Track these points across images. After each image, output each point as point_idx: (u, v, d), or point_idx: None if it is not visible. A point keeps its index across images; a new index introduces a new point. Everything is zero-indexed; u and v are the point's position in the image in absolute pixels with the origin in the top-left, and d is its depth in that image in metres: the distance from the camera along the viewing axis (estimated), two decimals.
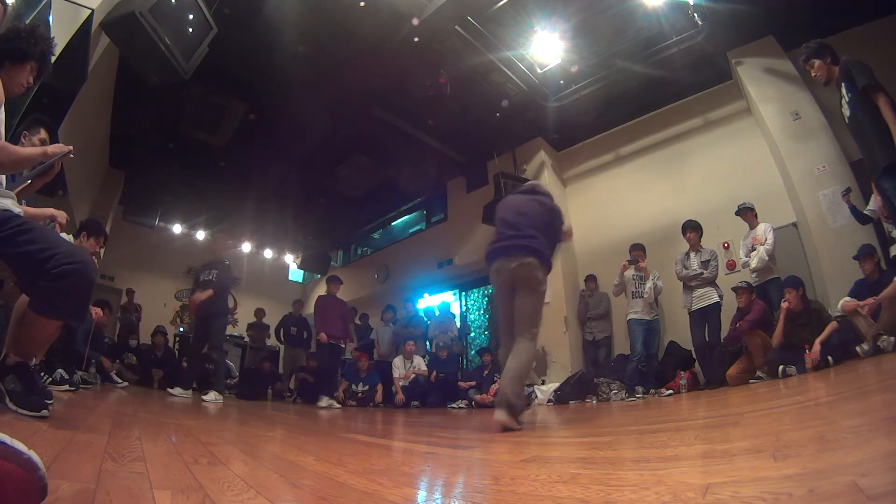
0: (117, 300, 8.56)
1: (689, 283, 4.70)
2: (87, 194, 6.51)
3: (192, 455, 1.30)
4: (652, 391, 4.71)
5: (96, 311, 4.35)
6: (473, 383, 5.79)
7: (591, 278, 5.98)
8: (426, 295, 8.70)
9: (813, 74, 2.81)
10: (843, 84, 2.64)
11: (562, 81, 5.62)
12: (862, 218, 3.94)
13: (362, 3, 4.42)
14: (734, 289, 4.41)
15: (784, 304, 3.97)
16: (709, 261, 4.64)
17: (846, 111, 2.67)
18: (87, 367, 4.65)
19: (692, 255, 4.76)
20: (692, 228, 4.81)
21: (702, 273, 4.60)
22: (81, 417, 1.99)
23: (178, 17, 3.55)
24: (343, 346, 6.19)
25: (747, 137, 5.35)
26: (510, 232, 2.61)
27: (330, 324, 5.86)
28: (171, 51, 3.42)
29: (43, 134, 2.40)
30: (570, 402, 4.86)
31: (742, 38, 5.07)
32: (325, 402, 5.55)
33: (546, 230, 2.63)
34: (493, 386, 5.39)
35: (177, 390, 4.76)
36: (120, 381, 5.47)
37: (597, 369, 5.44)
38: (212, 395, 4.69)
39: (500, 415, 2.18)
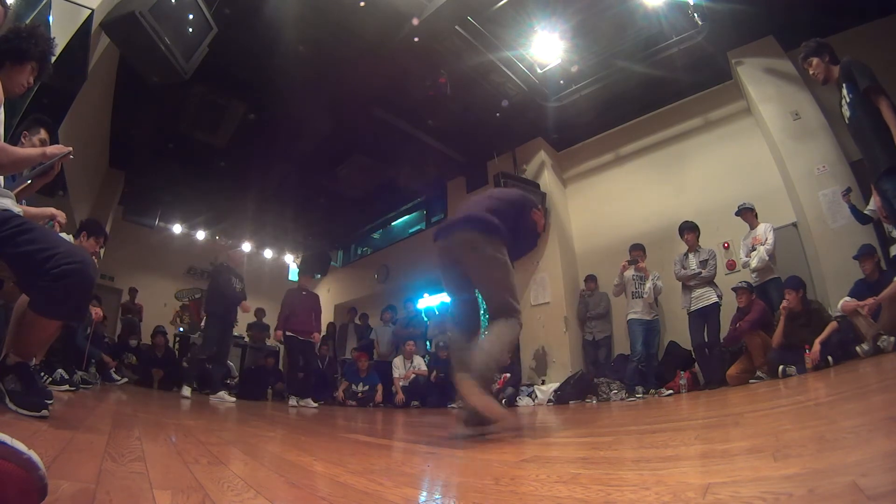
0: (117, 300, 8.57)
1: (688, 284, 4.70)
2: (87, 194, 6.51)
3: (192, 455, 1.30)
4: (652, 391, 4.71)
5: (96, 311, 4.36)
6: None
7: (591, 278, 5.98)
8: (426, 295, 8.70)
9: (811, 73, 2.81)
10: (843, 85, 2.64)
11: (562, 81, 5.62)
12: (862, 218, 3.94)
13: (362, 3, 4.42)
14: (734, 289, 4.41)
15: (783, 305, 3.96)
16: (707, 260, 4.65)
17: (846, 112, 2.66)
18: (87, 367, 4.65)
19: (691, 255, 4.76)
20: (689, 229, 4.82)
21: (700, 273, 4.60)
22: (81, 417, 1.99)
23: (178, 17, 3.55)
24: (312, 340, 6.04)
25: (747, 137, 5.35)
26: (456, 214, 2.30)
27: (300, 319, 5.75)
28: (171, 51, 3.42)
29: (43, 134, 2.40)
30: (570, 402, 4.86)
31: (742, 38, 5.08)
32: (292, 400, 5.51)
33: (509, 215, 2.22)
34: (492, 386, 5.38)
35: (186, 391, 4.79)
36: (119, 377, 5.47)
37: (597, 369, 5.45)
38: (227, 396, 4.85)
39: (465, 387, 1.80)
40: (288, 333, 5.60)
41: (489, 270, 2.08)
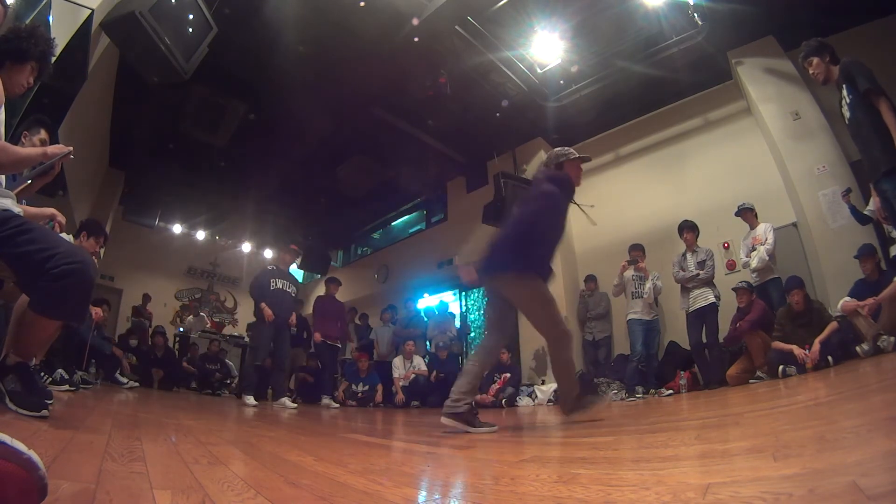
0: (117, 300, 8.58)
1: (687, 285, 4.70)
2: (87, 194, 6.50)
3: (192, 455, 1.30)
4: (652, 391, 4.71)
5: (96, 311, 4.36)
6: None
7: (590, 278, 5.98)
8: (426, 295, 8.70)
9: (811, 72, 2.79)
10: (843, 86, 2.63)
11: (562, 81, 5.61)
12: (862, 218, 3.93)
13: (362, 4, 4.42)
14: (734, 289, 4.41)
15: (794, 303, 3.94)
16: (705, 261, 4.64)
17: (846, 113, 2.66)
18: (87, 367, 4.65)
19: (689, 255, 4.75)
20: (689, 228, 4.82)
21: (698, 274, 4.60)
22: (81, 417, 1.99)
23: (178, 17, 3.55)
24: (340, 345, 6.20)
25: (747, 137, 5.35)
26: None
27: (328, 324, 5.87)
28: (171, 51, 3.42)
29: (43, 134, 2.40)
30: None
31: (742, 38, 5.07)
32: (325, 401, 5.56)
33: (544, 224, 2.45)
34: (493, 386, 5.39)
35: (249, 399, 4.83)
36: (125, 380, 5.45)
37: (597, 369, 5.44)
38: (288, 402, 4.91)
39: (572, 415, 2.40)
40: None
41: (531, 308, 2.44)
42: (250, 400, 4.76)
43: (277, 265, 5.42)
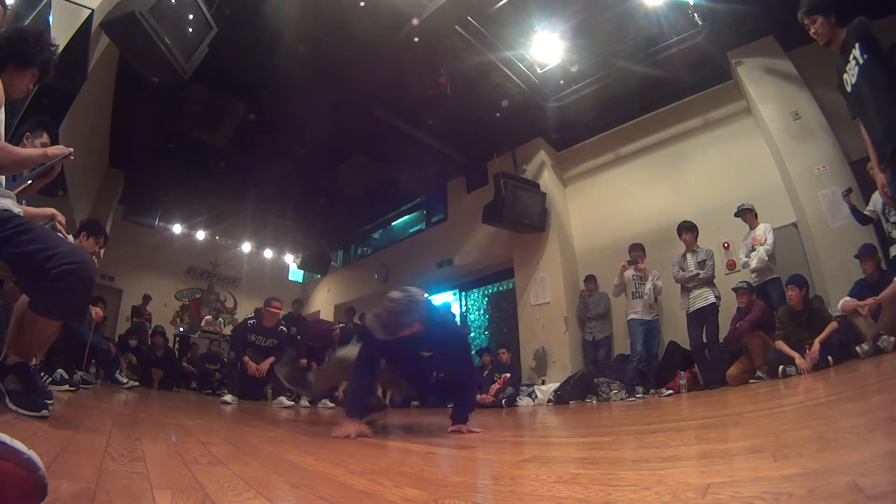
0: (117, 300, 8.58)
1: (687, 285, 4.69)
2: (87, 194, 6.50)
3: (192, 455, 1.30)
4: (652, 391, 4.71)
5: (96, 311, 4.36)
6: None
7: (590, 278, 5.97)
8: (426, 295, 8.70)
9: (812, 31, 2.54)
10: (856, 45, 2.38)
11: (562, 81, 5.61)
12: (862, 218, 3.93)
13: (362, 4, 4.42)
14: (734, 289, 4.41)
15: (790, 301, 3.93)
16: (704, 261, 4.64)
17: (851, 78, 2.40)
18: (87, 367, 4.65)
19: (688, 256, 4.75)
20: (688, 229, 4.81)
21: (698, 274, 4.60)
22: (81, 417, 1.99)
23: (178, 17, 3.55)
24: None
25: (747, 137, 5.35)
26: None
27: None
28: (171, 51, 3.42)
29: (45, 138, 2.40)
30: (570, 402, 4.86)
31: (742, 38, 5.07)
32: (321, 403, 5.57)
33: None
34: (493, 386, 5.39)
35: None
36: (125, 380, 5.45)
37: (597, 369, 5.44)
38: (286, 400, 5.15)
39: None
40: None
41: None
42: (227, 398, 4.80)
43: (259, 321, 5.25)
